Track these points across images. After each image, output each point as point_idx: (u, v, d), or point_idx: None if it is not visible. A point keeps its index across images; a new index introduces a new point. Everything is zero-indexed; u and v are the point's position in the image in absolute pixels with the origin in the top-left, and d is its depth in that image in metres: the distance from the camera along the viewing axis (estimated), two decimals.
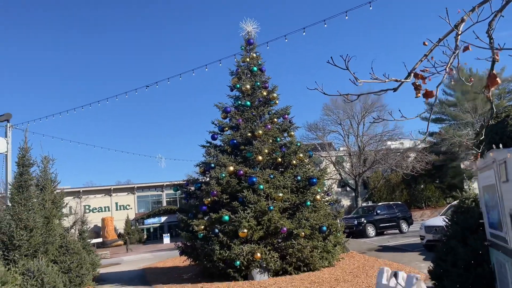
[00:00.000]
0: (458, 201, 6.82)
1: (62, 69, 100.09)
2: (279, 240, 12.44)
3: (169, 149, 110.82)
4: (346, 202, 43.35)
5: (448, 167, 43.22)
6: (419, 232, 15.84)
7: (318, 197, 13.10)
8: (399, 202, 28.60)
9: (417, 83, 2.71)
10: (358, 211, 26.31)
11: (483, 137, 5.10)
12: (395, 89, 2.81)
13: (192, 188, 14.78)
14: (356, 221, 23.34)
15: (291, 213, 12.97)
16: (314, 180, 13.22)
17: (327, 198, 13.95)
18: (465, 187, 46.33)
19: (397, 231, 24.68)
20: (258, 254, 11.67)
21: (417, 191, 43.17)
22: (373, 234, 23.47)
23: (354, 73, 2.61)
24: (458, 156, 42.18)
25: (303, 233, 11.99)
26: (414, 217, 31.99)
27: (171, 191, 49.96)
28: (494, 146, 4.73)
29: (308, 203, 12.76)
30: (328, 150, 35.38)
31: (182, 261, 17.18)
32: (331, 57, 2.60)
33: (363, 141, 36.30)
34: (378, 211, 24.53)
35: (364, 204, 33.60)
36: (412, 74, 2.68)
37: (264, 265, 12.03)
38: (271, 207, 11.91)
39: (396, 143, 37.99)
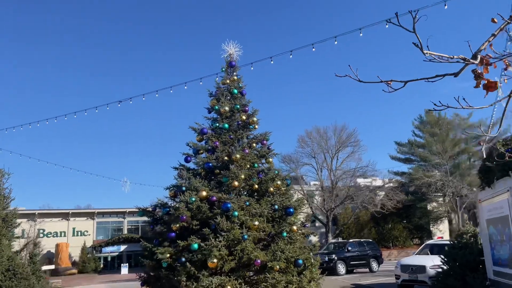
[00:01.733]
0: (455, 235, 6.35)
1: (27, 81, 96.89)
2: (252, 273, 11.56)
3: (135, 174, 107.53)
4: (314, 238, 42.67)
5: (416, 207, 43.71)
6: (395, 271, 15.34)
7: (295, 228, 12.39)
8: (370, 240, 28.30)
9: (478, 71, 2.22)
10: (328, 247, 25.71)
11: (490, 164, 4.68)
12: (456, 74, 2.31)
13: (160, 214, 13.76)
14: (327, 257, 22.65)
15: (265, 244, 12.16)
16: (291, 210, 12.56)
17: (303, 230, 13.26)
18: (431, 228, 46.91)
19: (367, 269, 24.16)
20: (229, 287, 10.73)
21: (385, 230, 43.20)
22: (344, 271, 22.85)
23: (420, 39, 2.09)
24: (426, 197, 42.80)
25: (277, 267, 11.16)
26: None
27: (133, 218, 47.79)
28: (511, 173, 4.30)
29: (285, 234, 12.02)
30: (301, 184, 34.97)
31: None
32: (396, 14, 2.07)
33: (336, 176, 36.22)
34: (349, 248, 24.03)
35: (334, 240, 33.07)
36: (478, 57, 2.19)
37: None
38: (246, 236, 11.10)
39: (368, 180, 38.17)
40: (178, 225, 11.78)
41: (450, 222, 45.63)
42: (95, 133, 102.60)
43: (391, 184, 42.31)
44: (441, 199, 43.98)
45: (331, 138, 37.20)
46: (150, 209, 13.87)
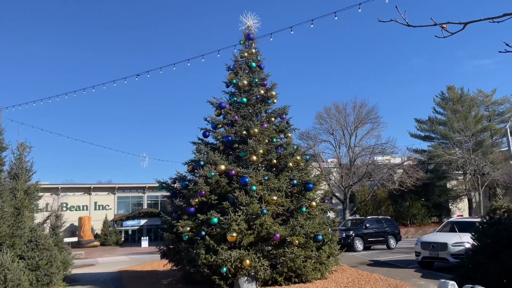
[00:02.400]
0: (488, 211, 6.07)
1: (50, 60, 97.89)
2: (270, 248, 11.53)
3: (153, 150, 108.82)
4: (331, 215, 42.69)
5: (435, 185, 43.05)
6: (415, 248, 15.13)
7: (314, 203, 12.24)
8: (388, 217, 28.02)
9: None
10: (346, 224, 25.56)
11: None
12: None
13: (179, 187, 13.77)
14: (344, 234, 22.52)
15: (284, 219, 12.09)
16: (311, 185, 12.39)
17: (322, 206, 13.11)
18: (450, 206, 46.29)
19: (384, 246, 24.01)
20: (247, 261, 10.72)
21: (403, 208, 42.82)
22: (361, 248, 22.73)
23: None
24: (446, 175, 42.06)
25: (297, 241, 11.10)
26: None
27: (153, 193, 48.65)
28: None
29: (304, 209, 11.89)
30: (318, 161, 34.69)
31: (162, 265, 16.09)
32: None
33: (354, 153, 35.76)
34: (367, 225, 23.83)
35: (351, 217, 32.93)
36: None
37: (252, 273, 11.08)
38: (265, 211, 11.01)
39: (387, 157, 37.58)
40: (197, 200, 11.76)
41: (469, 200, 44.92)
42: (113, 108, 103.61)
43: (410, 162, 41.63)
44: (461, 177, 43.16)
45: (350, 115, 36.56)
46: (170, 183, 13.89)
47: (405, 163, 39.68)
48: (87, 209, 45.67)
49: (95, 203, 46.34)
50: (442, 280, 3.49)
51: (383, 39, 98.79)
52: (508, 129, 25.72)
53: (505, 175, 33.54)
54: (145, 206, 47.77)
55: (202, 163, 12.51)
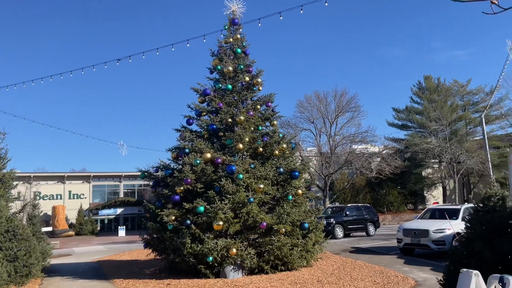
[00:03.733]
0: (482, 198, 6.10)
1: (30, 45, 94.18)
2: (257, 236, 11.45)
3: (132, 137, 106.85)
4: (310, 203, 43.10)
5: (411, 173, 43.97)
6: (397, 235, 15.37)
7: (300, 191, 12.21)
8: (368, 205, 28.45)
9: None
10: (326, 212, 25.77)
11: None
12: None
13: (161, 175, 13.46)
14: (325, 221, 22.73)
15: (270, 207, 12.02)
16: (297, 173, 12.32)
17: (308, 194, 13.10)
18: (425, 194, 47.51)
19: (364, 233, 24.41)
20: (234, 250, 10.62)
21: (380, 195, 43.63)
22: (342, 235, 23.03)
23: None
24: (423, 163, 43.00)
25: (283, 229, 11.05)
26: None
27: (130, 182, 47.86)
28: None
29: (290, 197, 11.85)
30: (299, 149, 34.79)
31: (143, 254, 15.85)
32: None
33: (335, 141, 36.01)
34: (347, 212, 24.14)
35: (331, 205, 33.32)
36: None
37: (239, 262, 10.99)
38: (251, 199, 10.89)
39: (365, 146, 38.04)
40: (182, 188, 11.52)
41: (444, 188, 46.14)
42: (92, 94, 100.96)
43: (388, 151, 42.32)
44: (436, 165, 44.23)
45: (331, 103, 36.69)
46: (152, 172, 13.56)
47: (383, 152, 40.31)
48: (61, 198, 44.53)
49: (70, 192, 45.22)
50: (465, 270, 3.43)
51: (364, 30, 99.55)
52: (482, 118, 26.35)
53: (480, 163, 34.54)
54: (121, 195, 46.98)
55: (187, 150, 12.24)
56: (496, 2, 1.99)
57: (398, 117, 47.40)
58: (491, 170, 20.56)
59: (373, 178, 37.45)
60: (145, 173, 13.49)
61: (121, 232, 37.75)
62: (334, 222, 23.03)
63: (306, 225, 11.74)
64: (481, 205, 6.04)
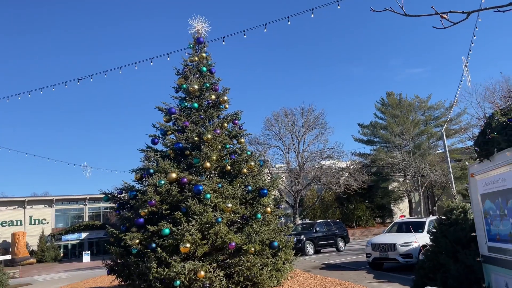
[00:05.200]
0: (445, 211, 6.18)
1: None
2: (226, 257, 11.18)
3: (96, 159, 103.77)
4: (283, 220, 43.00)
5: (379, 187, 44.82)
6: (365, 249, 15.45)
7: (269, 209, 12.08)
8: (337, 220, 28.60)
9: None
10: (296, 228, 25.73)
11: (494, 134, 4.44)
12: None
13: (126, 198, 13.02)
14: (295, 238, 22.64)
15: (239, 227, 11.80)
16: (265, 191, 12.23)
17: (276, 212, 12.99)
18: (392, 207, 48.44)
19: (334, 249, 24.46)
20: (202, 273, 10.29)
21: (349, 210, 44.11)
22: (312, 252, 22.98)
23: None
24: (388, 177, 43.95)
25: (252, 249, 10.84)
26: None
27: (95, 205, 46.22)
28: None
29: (259, 215, 11.69)
30: (268, 166, 34.80)
31: (108, 281, 15.16)
32: None
33: (303, 158, 36.29)
34: (317, 229, 24.17)
35: (301, 221, 33.32)
36: None
37: (207, 285, 10.64)
38: (219, 219, 10.65)
39: (333, 161, 38.55)
40: (146, 210, 11.15)
41: (410, 201, 47.25)
42: (52, 115, 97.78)
43: (355, 166, 43.06)
44: (402, 179, 45.34)
45: (299, 120, 37.17)
46: (116, 194, 13.10)
47: (350, 167, 40.96)
48: (21, 224, 42.35)
49: (30, 217, 43.12)
50: None
51: (326, 47, 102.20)
52: (443, 132, 27.28)
53: (442, 176, 35.65)
54: (86, 219, 45.24)
55: (151, 171, 11.92)
56: (446, 17, 1.99)
57: (364, 133, 48.50)
58: (453, 183, 21.20)
59: (341, 193, 37.90)
60: (109, 196, 13.01)
61: (86, 257, 36.22)
62: (304, 238, 22.96)
63: (276, 243, 11.59)
64: (444, 217, 6.13)
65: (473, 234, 5.43)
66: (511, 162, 4.23)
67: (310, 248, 22.95)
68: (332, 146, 37.71)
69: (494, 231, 4.84)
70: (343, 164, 41.65)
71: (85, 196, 44.92)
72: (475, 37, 11.77)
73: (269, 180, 14.16)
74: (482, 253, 5.24)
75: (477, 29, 11.46)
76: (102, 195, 13.26)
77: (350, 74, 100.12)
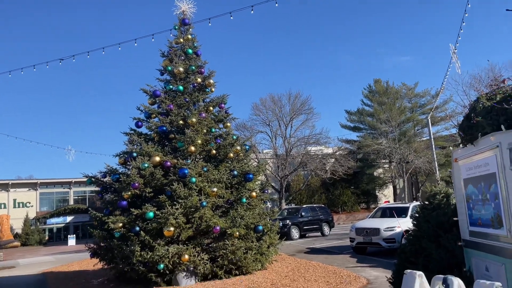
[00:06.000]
0: (428, 196, 6.20)
1: None
2: (210, 241, 11.17)
3: (80, 143, 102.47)
4: (269, 205, 43.22)
5: (364, 173, 45.26)
6: (349, 234, 15.60)
7: (254, 194, 12.06)
8: (322, 205, 28.85)
9: None
10: (282, 213, 25.86)
11: (478, 119, 4.41)
12: None
13: (109, 181, 12.84)
14: (281, 223, 22.76)
15: (224, 211, 11.75)
16: (251, 175, 12.17)
17: (262, 196, 12.97)
18: (376, 193, 49.06)
19: (319, 233, 24.70)
20: (186, 256, 10.27)
21: (335, 196, 44.52)
22: (297, 236, 23.17)
23: None
24: (374, 164, 44.38)
25: (237, 233, 10.84)
26: None
27: (80, 188, 45.81)
28: (503, 128, 4.05)
29: (244, 200, 11.66)
30: (255, 152, 34.79)
31: (92, 264, 15.04)
32: None
33: (290, 143, 36.35)
34: (303, 213, 24.33)
35: (287, 206, 33.55)
36: None
37: (191, 268, 10.65)
38: (204, 203, 10.59)
39: (320, 147, 38.73)
40: (129, 193, 11.02)
41: (394, 187, 47.89)
42: (37, 99, 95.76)
43: (341, 152, 43.33)
44: (387, 165, 45.83)
45: (286, 106, 37.15)
46: (99, 177, 12.91)
47: (337, 153, 41.20)
48: (5, 207, 41.82)
49: (14, 200, 42.57)
50: (409, 271, 3.39)
51: (314, 33, 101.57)
52: (429, 120, 27.47)
53: (427, 162, 36.12)
54: (71, 202, 44.87)
55: (134, 154, 11.76)
56: None
57: (351, 119, 48.69)
58: (437, 169, 21.47)
59: (327, 179, 38.18)
60: (92, 179, 12.82)
61: (71, 241, 36.07)
62: (289, 223, 23.11)
63: (261, 227, 11.61)
64: (427, 202, 6.15)
65: (455, 218, 5.46)
66: (495, 147, 4.23)
67: (295, 233, 23.13)
68: (319, 132, 37.87)
69: (475, 215, 4.86)
70: (330, 150, 41.87)
71: (70, 180, 44.44)
72: (464, 23, 11.74)
73: (255, 165, 14.13)
74: (464, 238, 5.28)
75: (466, 15, 11.42)
76: (87, 179, 13.07)
77: (338, 61, 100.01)
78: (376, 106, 45.64)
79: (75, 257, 21.45)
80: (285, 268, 12.29)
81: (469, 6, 11.02)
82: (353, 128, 48.46)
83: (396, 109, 43.35)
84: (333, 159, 39.66)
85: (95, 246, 12.23)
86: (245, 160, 12.91)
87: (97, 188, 13.26)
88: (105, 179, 12.91)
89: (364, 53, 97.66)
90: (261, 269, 11.91)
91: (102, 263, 12.18)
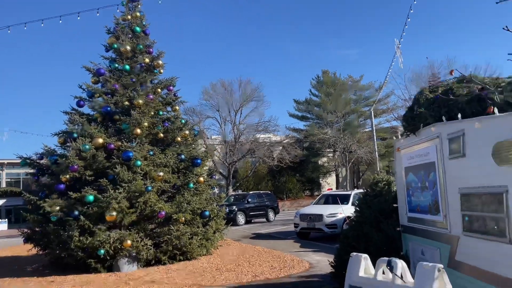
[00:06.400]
0: (370, 183, 6.44)
1: None
2: (155, 226, 10.90)
3: (15, 122, 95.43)
4: (216, 191, 43.07)
5: (310, 162, 46.45)
6: (294, 220, 15.98)
7: (201, 179, 11.91)
8: (269, 192, 29.30)
9: None
10: (229, 199, 25.98)
11: (421, 110, 4.60)
12: None
13: (46, 163, 12.06)
14: (227, 209, 22.86)
15: (170, 196, 11.50)
16: (199, 160, 11.99)
17: (209, 182, 12.85)
18: (320, 181, 50.64)
19: (264, 219, 25.13)
20: (129, 242, 9.95)
21: (280, 183, 45.34)
22: (243, 222, 23.42)
23: None
24: (319, 152, 45.66)
25: (183, 218, 10.67)
26: None
27: (13, 170, 42.98)
28: (444, 119, 4.24)
29: (191, 185, 11.48)
30: (203, 137, 34.46)
31: (26, 250, 14.19)
32: None
33: (239, 130, 36.34)
34: (249, 200, 24.63)
35: (234, 193, 33.72)
36: None
37: (134, 254, 10.36)
38: (149, 188, 10.28)
39: (268, 135, 39.14)
40: (68, 176, 10.44)
41: (337, 176, 49.64)
42: None
43: (288, 140, 44.10)
44: (331, 154, 47.34)
45: (236, 92, 36.98)
46: (35, 158, 12.09)
47: (284, 141, 41.87)
48: None
49: None
50: (355, 254, 3.48)
51: (265, 23, 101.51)
52: (371, 112, 28.58)
53: (368, 153, 37.75)
54: (3, 185, 42.01)
55: (75, 135, 11.13)
56: None
57: (299, 109, 49.57)
58: (377, 159, 22.47)
59: (274, 166, 38.76)
60: (27, 161, 11.99)
61: (3, 225, 33.96)
62: (236, 209, 23.31)
63: (207, 213, 11.52)
64: (369, 190, 6.39)
65: (395, 205, 5.71)
66: (436, 137, 4.43)
67: (241, 218, 23.37)
68: (268, 120, 38.19)
69: (415, 202, 5.12)
70: (278, 138, 42.44)
71: (2, 161, 41.51)
72: (409, 19, 12.21)
73: (203, 150, 13.96)
74: (402, 223, 5.55)
75: (411, 11, 11.88)
76: (21, 160, 12.20)
77: (287, 51, 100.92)
78: (323, 97, 46.75)
79: (7, 242, 20.14)
80: (231, 253, 12.34)
81: (415, 2, 11.46)
82: (301, 117, 49.39)
83: (342, 101, 44.70)
84: (281, 147, 40.29)
85: (29, 231, 11.51)
86: (193, 145, 12.69)
87: (32, 170, 12.43)
88: (41, 161, 12.12)
89: (312, 44, 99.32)
90: (206, 254, 11.86)
91: (36, 248, 11.50)
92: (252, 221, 24.60)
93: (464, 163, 3.92)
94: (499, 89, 4.03)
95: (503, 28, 2.24)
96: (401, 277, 2.85)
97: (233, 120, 37.05)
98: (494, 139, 3.39)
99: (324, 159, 48.77)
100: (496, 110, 3.62)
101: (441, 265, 2.65)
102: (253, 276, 8.98)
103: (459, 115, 3.93)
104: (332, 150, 44.87)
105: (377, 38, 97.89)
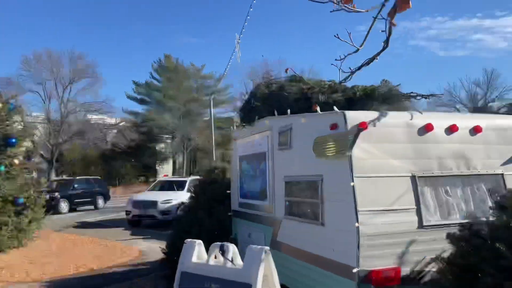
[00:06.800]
0: (207, 171, 6.56)
1: None
2: None
3: None
4: (35, 175, 37.95)
5: (146, 147, 45.19)
6: (126, 207, 15.33)
7: (16, 161, 10.30)
8: (98, 177, 27.55)
9: None
10: (51, 185, 23.35)
11: (257, 104, 4.91)
12: None
13: None
14: (48, 195, 20.47)
15: None
16: (14, 140, 10.32)
17: (27, 165, 11.21)
18: (157, 167, 49.90)
19: (92, 207, 23.50)
20: None
21: (114, 168, 42.93)
22: (67, 210, 21.45)
23: None
24: (157, 138, 44.85)
25: None
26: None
27: None
28: (276, 113, 4.59)
29: (3, 168, 9.82)
30: (22, 114, 29.90)
31: None
32: None
33: (67, 108, 32.70)
34: (76, 186, 22.71)
35: (58, 178, 30.46)
36: None
37: None
38: None
39: (101, 116, 36.42)
40: None
41: (174, 162, 49.62)
42: None
43: (125, 123, 41.99)
44: (169, 140, 47.01)
45: (66, 66, 33.09)
46: None
47: (120, 124, 39.68)
48: None
49: None
50: (189, 240, 3.44)
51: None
52: (211, 101, 29.53)
53: (206, 141, 38.76)
54: None
55: None
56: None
57: (138, 91, 47.55)
58: (214, 148, 23.34)
59: (107, 150, 36.41)
60: None
61: None
62: (58, 196, 21.18)
63: (21, 200, 10.06)
64: (205, 176, 6.54)
65: (228, 191, 5.98)
66: (268, 130, 4.78)
67: (64, 206, 21.38)
68: (103, 100, 35.51)
69: (246, 189, 5.45)
70: (113, 121, 39.93)
71: None
72: (249, 17, 12.86)
73: (20, 128, 12.13)
74: (234, 209, 5.86)
75: (251, 9, 12.51)
76: None
77: (131, 30, 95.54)
78: (164, 82, 45.89)
79: None
80: (50, 244, 11.09)
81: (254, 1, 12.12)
82: (140, 101, 47.48)
83: (184, 88, 44.70)
84: (116, 130, 38.05)
85: None
86: (7, 122, 10.85)
87: None
88: None
89: (155, 27, 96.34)
90: (18, 246, 10.36)
91: None
92: (78, 209, 22.71)
93: (290, 154, 4.34)
94: (323, 90, 4.58)
95: (334, 36, 2.53)
96: (231, 261, 2.97)
97: (60, 96, 33.19)
98: (315, 134, 3.83)
99: (162, 145, 48.07)
100: (318, 109, 4.09)
101: (267, 248, 2.86)
102: (75, 268, 8.24)
103: (289, 111, 4.33)
104: (170, 136, 44.55)
105: (221, 30, 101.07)
